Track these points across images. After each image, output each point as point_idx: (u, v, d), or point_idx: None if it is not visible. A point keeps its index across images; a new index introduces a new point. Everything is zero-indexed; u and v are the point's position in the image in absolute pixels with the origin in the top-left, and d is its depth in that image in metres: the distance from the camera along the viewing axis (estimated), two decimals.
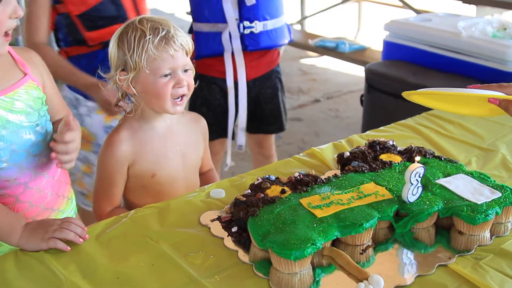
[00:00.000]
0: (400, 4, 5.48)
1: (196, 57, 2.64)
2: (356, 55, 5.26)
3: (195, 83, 1.75)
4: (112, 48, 1.71)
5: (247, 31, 2.58)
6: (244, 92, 2.73)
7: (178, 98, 1.71)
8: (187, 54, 1.72)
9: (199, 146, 1.92)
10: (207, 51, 2.62)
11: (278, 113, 2.90)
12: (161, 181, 1.80)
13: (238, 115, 2.79)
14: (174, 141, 1.82)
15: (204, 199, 1.66)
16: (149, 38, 1.64)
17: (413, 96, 1.53)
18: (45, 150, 1.63)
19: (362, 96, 3.57)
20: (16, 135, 1.54)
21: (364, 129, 3.41)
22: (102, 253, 1.41)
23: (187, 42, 1.72)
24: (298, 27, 6.67)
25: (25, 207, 1.62)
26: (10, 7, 1.42)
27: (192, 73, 1.74)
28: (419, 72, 3.23)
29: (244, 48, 2.62)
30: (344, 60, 5.47)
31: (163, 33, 1.66)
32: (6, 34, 1.45)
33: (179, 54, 1.68)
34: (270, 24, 2.62)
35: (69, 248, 1.42)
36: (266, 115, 2.89)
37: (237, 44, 2.60)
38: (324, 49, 5.48)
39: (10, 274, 1.34)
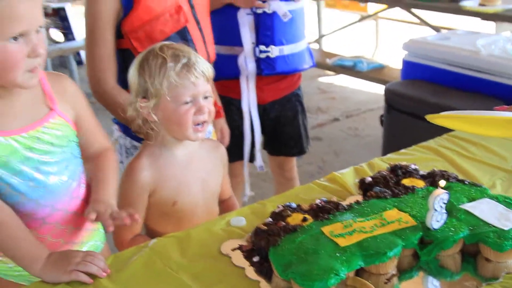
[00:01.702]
0: (417, 21, 5.45)
1: (214, 79, 2.62)
2: (374, 73, 5.25)
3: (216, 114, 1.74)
4: (133, 75, 1.70)
5: (263, 55, 2.58)
6: (256, 115, 2.72)
7: (199, 124, 1.69)
8: (208, 81, 1.71)
9: (219, 173, 1.90)
10: (224, 73, 2.62)
11: (298, 136, 2.88)
12: (182, 208, 1.78)
13: (250, 138, 2.78)
14: (195, 169, 1.80)
15: (225, 228, 1.63)
16: (171, 66, 1.63)
17: (437, 119, 1.49)
18: (67, 185, 1.61)
19: (382, 116, 3.54)
20: (34, 171, 1.52)
21: (384, 150, 3.38)
22: (123, 286, 1.39)
23: (208, 69, 1.71)
24: (315, 46, 6.67)
25: (44, 240, 1.58)
26: (28, 46, 1.38)
27: (212, 99, 1.73)
28: (439, 91, 3.20)
29: (260, 72, 2.61)
30: (362, 79, 5.46)
31: (185, 60, 1.65)
32: (30, 71, 1.41)
33: (200, 81, 1.67)
34: (287, 49, 2.61)
35: (91, 280, 1.39)
36: (286, 138, 2.87)
37: (251, 68, 2.59)
38: (342, 68, 5.49)
39: None
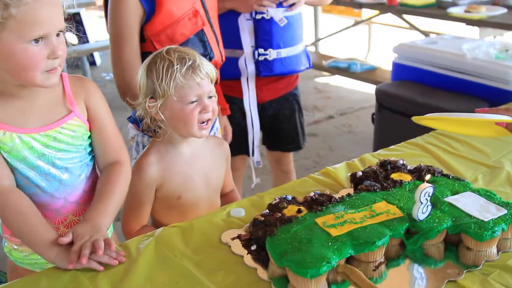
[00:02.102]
0: (408, 26, 5.44)
1: None
2: (367, 74, 5.25)
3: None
4: (141, 77, 1.70)
5: (261, 58, 2.57)
6: (255, 114, 2.71)
7: (204, 122, 1.69)
8: (212, 81, 1.71)
9: (221, 169, 1.90)
10: (226, 74, 2.62)
11: (295, 133, 2.88)
12: (186, 202, 1.78)
13: (253, 134, 2.78)
14: (199, 165, 1.80)
15: (225, 218, 1.63)
16: (177, 68, 1.63)
17: (423, 120, 1.49)
18: (80, 180, 1.61)
19: (373, 114, 3.54)
20: (50, 167, 1.52)
21: (375, 146, 3.38)
22: (131, 271, 1.39)
23: (212, 70, 1.71)
24: (312, 48, 6.66)
25: (57, 230, 1.57)
26: (48, 48, 1.37)
27: (215, 99, 1.73)
28: (426, 92, 3.20)
29: (258, 74, 2.61)
30: (356, 80, 5.45)
31: (190, 62, 1.65)
32: (49, 71, 1.40)
33: (205, 82, 1.67)
34: (284, 52, 2.60)
35: (102, 268, 1.39)
36: (284, 134, 2.87)
37: (251, 70, 2.59)
38: (337, 69, 5.48)
39: None
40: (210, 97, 1.70)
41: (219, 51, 2.19)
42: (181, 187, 1.76)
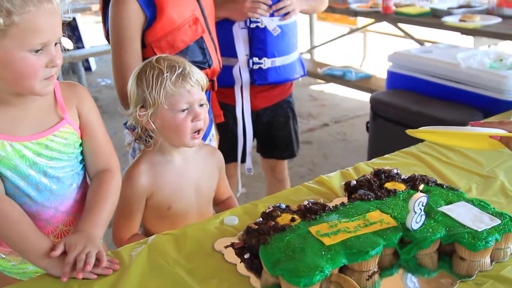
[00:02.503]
0: (402, 34, 5.46)
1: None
2: (362, 82, 5.25)
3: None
4: (131, 86, 1.69)
5: (256, 67, 2.57)
6: (249, 122, 2.71)
7: (196, 132, 1.68)
8: (203, 89, 1.70)
9: (213, 178, 1.89)
10: (220, 82, 2.62)
11: (289, 140, 2.87)
12: (176, 212, 1.77)
13: (246, 142, 2.77)
14: (190, 175, 1.79)
15: (218, 226, 1.63)
16: (167, 76, 1.62)
17: (417, 134, 1.48)
18: (71, 190, 1.60)
19: (367, 123, 3.54)
20: (41, 176, 1.51)
21: (370, 154, 3.38)
22: (124, 278, 1.38)
23: (202, 78, 1.70)
24: (307, 56, 6.67)
25: None
26: (47, 57, 1.37)
27: (207, 107, 1.72)
28: (421, 100, 3.20)
29: (253, 82, 2.61)
30: (351, 88, 5.46)
31: (180, 70, 1.64)
32: (47, 78, 1.40)
33: (195, 90, 1.67)
34: (278, 61, 2.61)
35: (95, 276, 1.38)
36: (278, 141, 2.86)
37: (245, 78, 2.59)
38: (332, 77, 5.49)
39: None
40: (201, 105, 1.69)
41: (217, 59, 2.20)
42: (171, 197, 1.75)
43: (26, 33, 1.32)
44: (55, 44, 1.39)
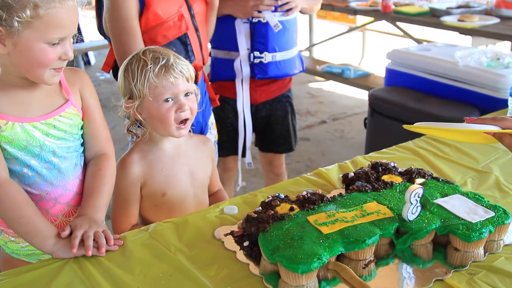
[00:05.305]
0: (401, 33, 5.49)
1: (212, 80, 2.67)
2: (360, 80, 5.27)
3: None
4: (120, 78, 1.74)
5: (256, 61, 2.61)
6: (248, 116, 2.75)
7: (182, 122, 1.71)
8: (188, 80, 1.72)
9: (207, 166, 1.92)
10: (221, 75, 2.66)
11: (287, 135, 2.90)
12: (171, 200, 1.80)
13: (245, 136, 2.81)
14: (182, 162, 1.82)
15: (218, 215, 1.66)
16: (150, 67, 1.65)
17: (413, 129, 1.51)
18: (76, 169, 1.65)
19: (365, 119, 3.56)
20: (50, 155, 1.56)
21: (367, 150, 3.40)
22: (126, 264, 1.42)
23: (188, 69, 1.72)
24: (306, 53, 6.69)
25: (56, 219, 1.63)
26: (62, 49, 1.44)
27: (194, 97, 1.74)
28: (419, 98, 3.23)
29: (253, 76, 2.64)
30: (349, 85, 5.48)
31: (163, 62, 1.67)
32: (55, 69, 1.47)
33: (179, 81, 1.69)
34: (279, 56, 2.64)
35: (104, 253, 1.43)
36: (276, 135, 2.89)
37: (246, 72, 2.62)
38: (331, 75, 5.51)
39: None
40: (187, 95, 1.72)
41: (201, 55, 2.22)
42: (165, 184, 1.78)
43: (48, 26, 1.38)
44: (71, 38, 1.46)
